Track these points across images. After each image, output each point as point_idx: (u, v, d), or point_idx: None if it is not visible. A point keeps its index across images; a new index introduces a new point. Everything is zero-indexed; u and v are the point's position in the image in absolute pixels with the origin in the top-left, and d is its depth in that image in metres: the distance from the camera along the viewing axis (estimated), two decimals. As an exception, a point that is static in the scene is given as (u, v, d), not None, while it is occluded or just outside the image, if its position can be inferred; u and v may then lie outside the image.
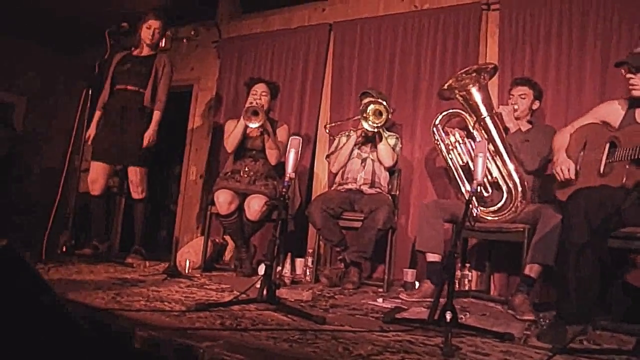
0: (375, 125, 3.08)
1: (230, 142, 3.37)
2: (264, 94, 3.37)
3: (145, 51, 3.68)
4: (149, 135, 3.52)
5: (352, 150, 3.30)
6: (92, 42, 4.27)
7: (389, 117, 3.08)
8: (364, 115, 3.09)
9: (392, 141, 3.26)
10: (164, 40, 4.94)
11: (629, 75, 2.20)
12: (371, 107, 3.10)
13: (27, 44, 5.31)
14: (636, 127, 2.18)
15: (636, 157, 2.07)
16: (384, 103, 3.11)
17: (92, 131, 3.57)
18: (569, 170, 2.26)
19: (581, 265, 1.84)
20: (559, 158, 2.34)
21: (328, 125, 3.54)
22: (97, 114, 3.63)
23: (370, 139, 3.30)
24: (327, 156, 3.49)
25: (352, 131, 3.37)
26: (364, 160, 3.30)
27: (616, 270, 2.42)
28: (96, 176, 3.56)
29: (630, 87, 2.20)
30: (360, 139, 3.31)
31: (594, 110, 2.46)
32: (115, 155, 3.54)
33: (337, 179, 3.38)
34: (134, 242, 3.66)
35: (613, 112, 2.32)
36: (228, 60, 4.68)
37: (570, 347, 1.56)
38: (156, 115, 3.58)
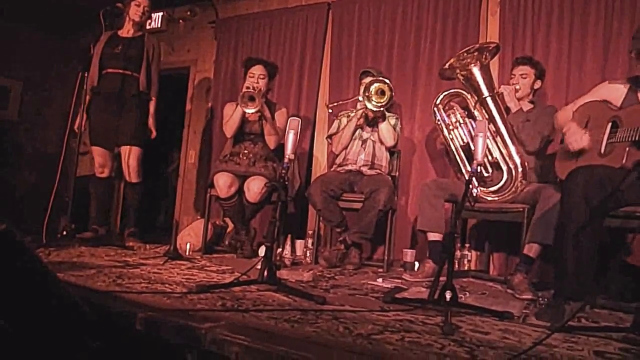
0: (378, 104, 3.04)
1: (229, 127, 3.35)
2: (261, 76, 3.32)
3: (132, 31, 3.58)
4: (152, 125, 3.56)
5: (354, 131, 3.28)
6: (87, 24, 4.21)
7: (392, 95, 3.04)
8: (367, 94, 3.04)
9: (392, 121, 3.24)
10: (160, 22, 4.90)
11: None
12: (374, 85, 3.05)
13: (21, 27, 5.23)
14: (638, 108, 2.16)
15: (637, 138, 2.06)
16: (387, 81, 3.07)
17: (81, 117, 3.49)
18: (581, 139, 2.19)
19: (580, 243, 1.85)
20: (570, 128, 2.26)
21: (330, 105, 3.48)
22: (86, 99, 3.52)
23: (371, 121, 3.27)
24: (329, 137, 3.47)
25: (353, 111, 3.34)
26: (364, 141, 3.28)
27: (614, 249, 2.43)
28: (103, 160, 3.55)
29: None
30: (361, 120, 3.28)
31: (595, 89, 2.43)
32: (112, 140, 3.52)
33: (337, 160, 3.37)
34: (128, 226, 3.65)
35: (614, 91, 2.30)
36: (225, 41, 4.62)
37: (568, 325, 1.58)
38: (153, 102, 3.58)
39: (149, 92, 3.55)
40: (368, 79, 3.19)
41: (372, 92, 3.04)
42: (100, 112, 3.50)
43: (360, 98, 3.13)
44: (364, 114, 3.24)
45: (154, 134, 3.58)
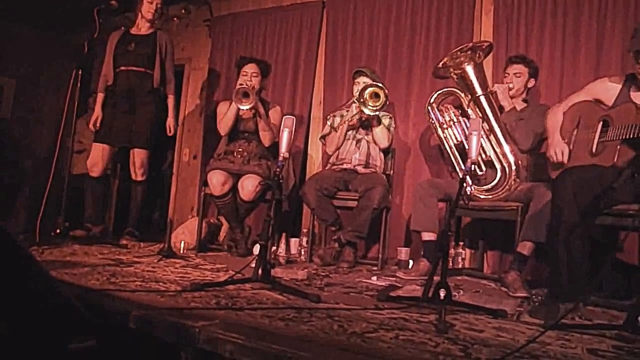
0: (374, 107, 3.05)
1: (223, 125, 3.34)
2: (254, 74, 3.32)
3: (144, 28, 3.60)
4: (172, 123, 3.61)
5: (347, 132, 3.28)
6: (81, 22, 4.18)
7: (387, 98, 3.05)
8: (362, 100, 3.05)
9: (385, 121, 3.25)
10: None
11: None
12: (368, 90, 3.06)
13: (14, 25, 5.19)
14: (629, 106, 2.17)
15: (628, 136, 2.07)
16: (380, 84, 3.08)
17: (98, 114, 3.52)
18: (562, 153, 2.27)
19: (571, 243, 1.86)
20: (553, 140, 2.34)
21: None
22: (101, 96, 3.57)
23: (364, 121, 3.28)
24: (322, 137, 3.47)
25: (345, 111, 3.34)
26: (358, 141, 3.28)
27: (607, 247, 2.45)
28: (98, 159, 3.53)
29: None
30: (355, 122, 3.28)
31: (588, 87, 2.45)
32: (123, 137, 3.52)
33: (332, 159, 3.37)
34: (127, 224, 3.65)
35: (608, 89, 2.32)
36: (220, 39, 4.61)
37: (562, 323, 1.58)
38: (171, 100, 3.63)
39: (164, 89, 3.60)
40: (362, 79, 3.20)
41: (367, 97, 3.05)
42: (112, 109, 3.52)
43: (356, 102, 3.13)
44: (357, 117, 3.24)
45: (172, 131, 3.64)
